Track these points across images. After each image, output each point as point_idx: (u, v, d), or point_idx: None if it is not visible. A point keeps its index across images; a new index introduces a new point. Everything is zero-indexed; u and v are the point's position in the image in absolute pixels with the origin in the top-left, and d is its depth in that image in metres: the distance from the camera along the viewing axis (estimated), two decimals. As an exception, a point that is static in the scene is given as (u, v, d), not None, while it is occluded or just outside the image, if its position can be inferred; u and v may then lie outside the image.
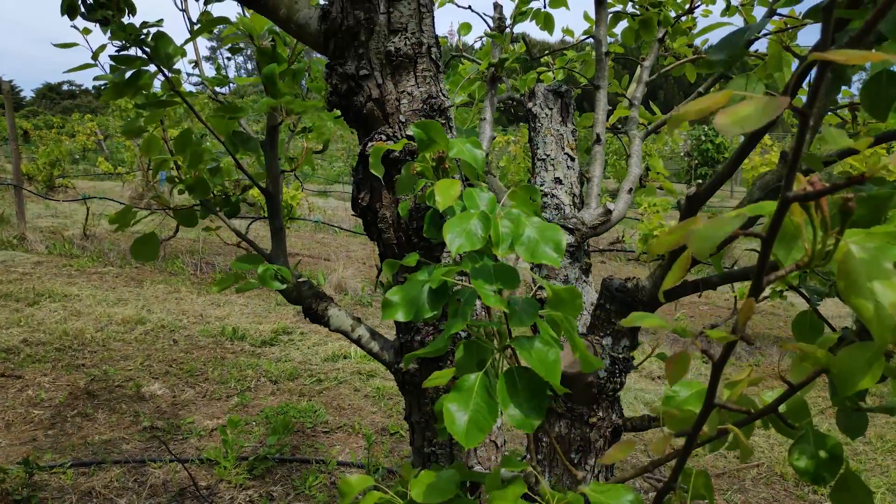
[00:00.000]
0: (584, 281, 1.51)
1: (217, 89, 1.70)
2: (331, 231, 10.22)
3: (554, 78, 2.37)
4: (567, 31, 2.07)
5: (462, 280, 1.00)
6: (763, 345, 5.82)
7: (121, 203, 9.11)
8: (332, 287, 6.48)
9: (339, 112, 1.60)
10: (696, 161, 15.45)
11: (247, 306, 5.85)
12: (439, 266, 0.96)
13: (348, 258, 8.05)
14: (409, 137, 1.16)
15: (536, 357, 0.80)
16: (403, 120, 1.15)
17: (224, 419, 3.61)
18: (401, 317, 0.85)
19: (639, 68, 1.83)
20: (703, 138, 14.84)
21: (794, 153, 0.46)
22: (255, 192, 1.75)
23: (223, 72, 1.73)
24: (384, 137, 1.15)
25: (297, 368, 4.48)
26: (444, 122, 1.19)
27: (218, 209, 1.69)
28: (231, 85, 1.82)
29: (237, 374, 4.29)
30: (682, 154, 15.56)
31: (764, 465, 3.71)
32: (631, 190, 1.53)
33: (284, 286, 1.40)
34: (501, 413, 1.04)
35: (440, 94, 1.18)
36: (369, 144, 1.15)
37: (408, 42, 1.12)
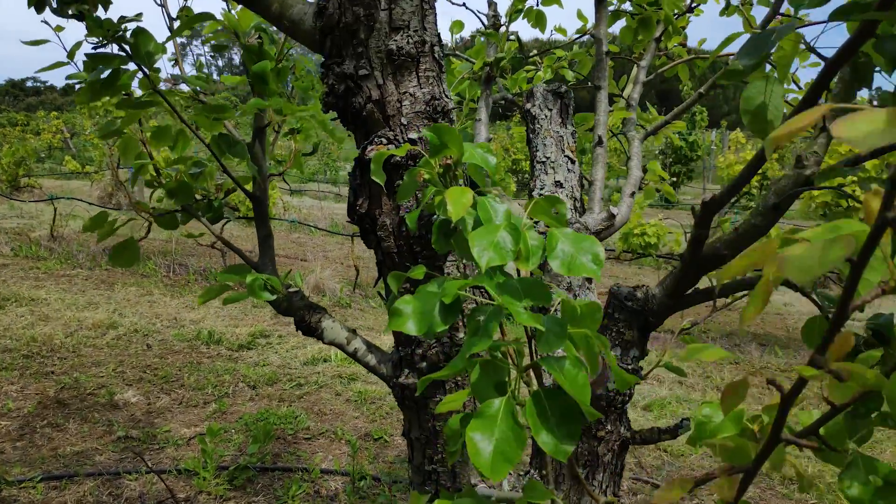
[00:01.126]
0: (588, 288, 1.46)
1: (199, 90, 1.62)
2: (306, 230, 10.08)
3: (543, 78, 2.32)
4: (560, 30, 2.02)
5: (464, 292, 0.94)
6: (741, 342, 5.86)
7: (89, 203, 8.88)
8: (309, 288, 6.37)
9: (332, 115, 1.53)
10: (670, 159, 15.60)
11: (222, 309, 5.72)
12: (451, 279, 0.89)
13: (325, 258, 7.94)
14: (412, 141, 1.10)
15: (568, 378, 0.75)
16: (405, 122, 1.08)
17: (202, 427, 3.51)
18: (412, 328, 0.79)
19: (635, 68, 1.78)
20: (677, 136, 14.98)
21: (893, 172, 0.41)
22: (236, 195, 1.67)
23: (203, 71, 1.64)
24: (385, 141, 1.08)
25: (277, 373, 4.38)
26: (447, 124, 1.13)
27: (200, 214, 1.61)
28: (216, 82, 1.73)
29: (214, 380, 4.17)
30: (656, 152, 15.69)
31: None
32: (633, 193, 1.48)
33: (274, 297, 1.33)
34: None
35: (443, 95, 1.11)
36: (369, 148, 1.08)
37: (410, 40, 1.06)
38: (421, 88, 1.08)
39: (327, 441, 3.52)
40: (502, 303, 0.73)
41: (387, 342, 5.07)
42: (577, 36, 1.98)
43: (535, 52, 2.05)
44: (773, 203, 1.14)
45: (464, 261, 1.20)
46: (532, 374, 0.85)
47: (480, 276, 0.85)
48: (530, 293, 0.74)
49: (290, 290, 1.34)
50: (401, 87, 1.08)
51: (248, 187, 1.49)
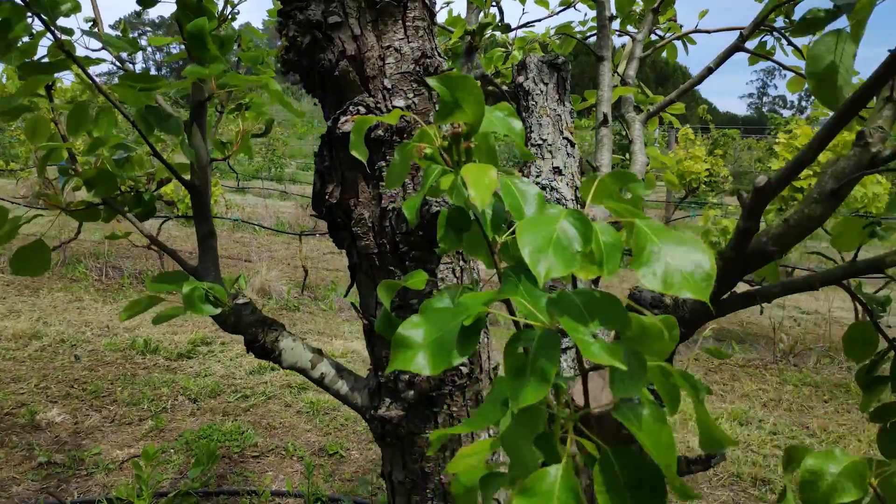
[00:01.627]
0: (594, 292, 1.25)
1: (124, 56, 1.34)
2: (250, 230, 9.64)
3: (518, 59, 2.10)
4: (541, 3, 1.82)
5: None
6: (698, 337, 5.81)
7: (12, 202, 8.25)
8: (254, 291, 6.02)
9: (279, 88, 1.28)
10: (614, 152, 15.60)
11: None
12: (469, 289, 0.67)
13: (271, 259, 7.57)
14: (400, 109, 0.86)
15: (649, 435, 0.53)
16: (389, 86, 0.84)
17: (136, 448, 3.17)
18: (424, 366, 0.55)
19: (629, 43, 1.59)
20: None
21: None
22: (174, 190, 1.39)
23: (131, 35, 1.36)
24: (363, 109, 0.84)
25: (220, 384, 4.04)
26: (464, 75, 0.90)
27: (127, 209, 1.33)
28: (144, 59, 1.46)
29: (150, 394, 3.82)
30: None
31: (719, 465, 3.61)
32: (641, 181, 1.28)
33: (219, 311, 1.07)
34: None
35: (435, 52, 0.88)
36: (343, 119, 0.84)
37: (396, -22, 0.82)
38: (409, 42, 0.85)
39: (278, 458, 3.23)
40: (561, 327, 0.50)
41: (339, 347, 4.79)
42: (561, 8, 1.77)
43: (502, 27, 1.83)
44: (831, 189, 0.94)
45: (461, 263, 0.96)
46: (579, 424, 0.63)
47: (511, 285, 0.63)
48: (599, 312, 0.51)
49: (238, 301, 1.08)
50: (383, 39, 0.84)
51: (186, 175, 1.22)
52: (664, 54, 1.95)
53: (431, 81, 0.67)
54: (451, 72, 0.93)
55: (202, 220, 1.18)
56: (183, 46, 1.29)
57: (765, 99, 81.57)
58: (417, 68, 0.85)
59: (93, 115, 1.22)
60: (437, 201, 0.89)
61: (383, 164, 0.86)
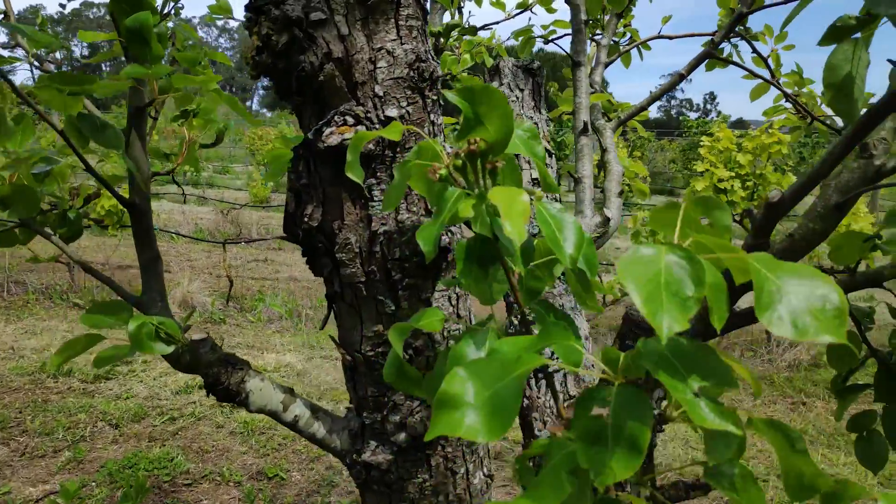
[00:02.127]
0: (579, 310, 1.18)
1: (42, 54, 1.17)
2: (167, 238, 9.17)
3: (469, 64, 2.03)
4: (497, 5, 1.75)
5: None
6: (631, 338, 5.91)
7: None
8: (176, 304, 5.69)
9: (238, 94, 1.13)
10: (540, 158, 15.85)
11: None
12: (499, 332, 0.58)
13: (192, 269, 7.21)
14: (390, 120, 0.75)
15: (743, 497, 0.47)
16: (381, 93, 0.74)
17: (53, 483, 2.89)
18: (480, 431, 0.45)
19: (594, 47, 1.54)
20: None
21: None
22: (104, 203, 1.23)
23: (48, 28, 1.19)
24: (351, 119, 0.73)
25: (144, 406, 3.77)
26: (435, 97, 0.80)
27: (49, 230, 1.17)
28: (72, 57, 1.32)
29: (66, 421, 3.51)
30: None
31: (663, 464, 3.66)
32: (621, 192, 1.23)
33: (171, 349, 0.93)
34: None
35: (430, 55, 0.78)
36: (327, 131, 0.73)
37: (388, -30, 0.72)
38: (402, 44, 0.75)
39: (213, 486, 3.03)
40: (664, 385, 0.42)
41: (271, 361, 4.58)
42: (518, 11, 1.71)
43: (469, 29, 1.76)
44: (835, 202, 0.91)
45: (456, 290, 0.87)
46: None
47: (559, 329, 0.54)
48: (693, 363, 0.43)
49: (195, 337, 0.95)
50: (374, 40, 0.73)
51: (123, 191, 1.07)
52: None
53: (450, 95, 0.58)
54: (441, 78, 0.83)
55: (145, 244, 1.04)
56: (87, 46, 1.14)
57: (672, 102, 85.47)
58: (411, 73, 0.75)
59: (11, 124, 1.05)
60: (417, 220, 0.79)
61: (373, 181, 0.76)
